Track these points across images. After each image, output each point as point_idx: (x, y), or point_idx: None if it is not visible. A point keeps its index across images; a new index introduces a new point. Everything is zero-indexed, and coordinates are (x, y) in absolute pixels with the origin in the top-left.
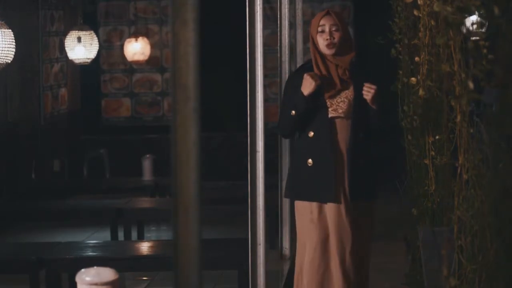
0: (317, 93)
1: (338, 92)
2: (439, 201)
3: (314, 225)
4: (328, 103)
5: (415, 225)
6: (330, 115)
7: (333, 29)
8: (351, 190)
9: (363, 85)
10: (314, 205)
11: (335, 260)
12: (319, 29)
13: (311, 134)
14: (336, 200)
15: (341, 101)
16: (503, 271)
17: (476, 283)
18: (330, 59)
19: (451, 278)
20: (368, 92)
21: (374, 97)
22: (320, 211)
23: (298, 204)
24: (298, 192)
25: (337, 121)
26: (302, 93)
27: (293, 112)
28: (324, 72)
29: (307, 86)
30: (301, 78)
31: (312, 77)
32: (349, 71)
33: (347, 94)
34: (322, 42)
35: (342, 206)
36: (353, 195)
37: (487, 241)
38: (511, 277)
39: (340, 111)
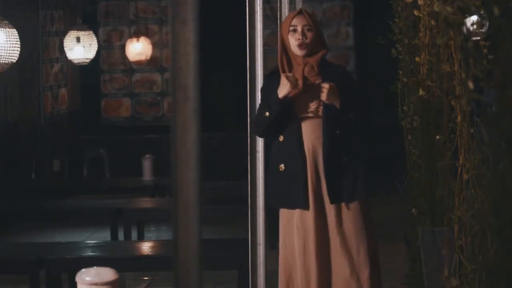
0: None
1: (305, 91)
2: (439, 201)
3: (298, 231)
4: (296, 105)
5: (415, 225)
6: (298, 116)
7: (306, 29)
8: (330, 193)
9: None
10: (296, 211)
11: (314, 268)
12: (291, 28)
13: (281, 138)
14: (307, 206)
15: (310, 100)
16: (503, 271)
17: (476, 283)
18: (298, 60)
19: (452, 278)
20: (322, 92)
21: (329, 96)
22: (302, 217)
23: (282, 211)
24: (274, 198)
25: (307, 121)
26: (277, 95)
27: (267, 113)
28: (287, 71)
29: (283, 87)
30: (274, 81)
31: (288, 79)
32: (318, 67)
33: (316, 93)
34: (293, 42)
35: (320, 211)
36: (333, 198)
37: (487, 241)
38: (511, 277)
39: (309, 110)
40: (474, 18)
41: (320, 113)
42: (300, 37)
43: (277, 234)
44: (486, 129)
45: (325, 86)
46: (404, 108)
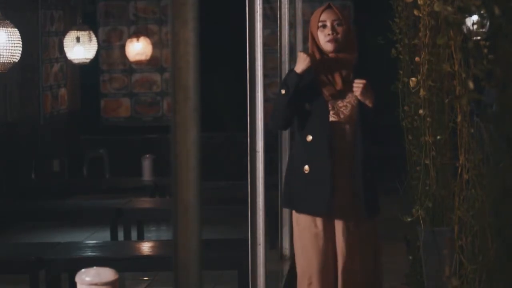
0: (317, 94)
1: (341, 95)
2: (439, 201)
3: (320, 240)
4: (330, 106)
5: (415, 225)
6: (331, 119)
7: (336, 23)
8: (357, 205)
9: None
10: (317, 218)
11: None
12: (320, 24)
13: (309, 138)
14: (329, 214)
15: (344, 106)
16: (503, 271)
17: (476, 283)
18: (332, 57)
19: (453, 278)
20: (357, 87)
21: (363, 92)
22: (324, 225)
23: (299, 216)
24: (294, 202)
25: (338, 126)
26: (294, 71)
27: (283, 90)
28: (325, 71)
29: (301, 62)
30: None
31: (307, 54)
32: (353, 73)
33: (350, 99)
34: (323, 38)
35: (347, 222)
36: (361, 211)
37: (487, 241)
38: (511, 277)
39: (342, 116)
40: (475, 18)
41: (353, 120)
42: (330, 33)
43: (277, 234)
44: (486, 129)
45: (362, 81)
46: (405, 108)
